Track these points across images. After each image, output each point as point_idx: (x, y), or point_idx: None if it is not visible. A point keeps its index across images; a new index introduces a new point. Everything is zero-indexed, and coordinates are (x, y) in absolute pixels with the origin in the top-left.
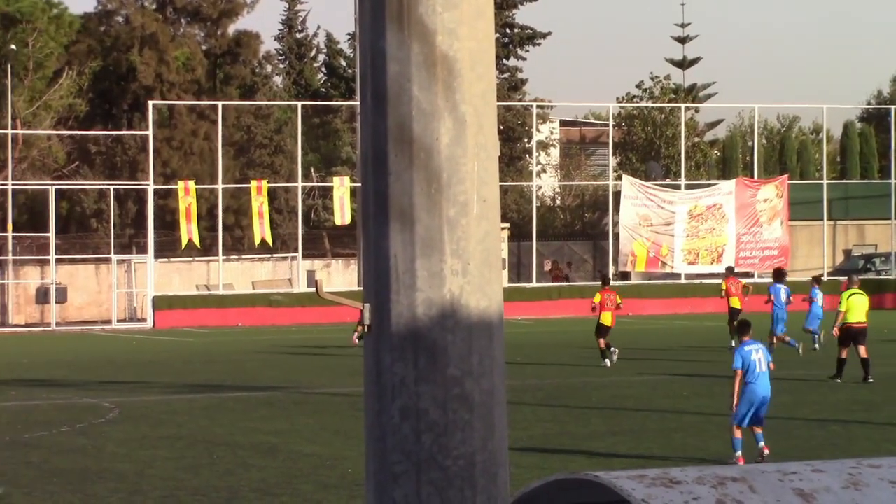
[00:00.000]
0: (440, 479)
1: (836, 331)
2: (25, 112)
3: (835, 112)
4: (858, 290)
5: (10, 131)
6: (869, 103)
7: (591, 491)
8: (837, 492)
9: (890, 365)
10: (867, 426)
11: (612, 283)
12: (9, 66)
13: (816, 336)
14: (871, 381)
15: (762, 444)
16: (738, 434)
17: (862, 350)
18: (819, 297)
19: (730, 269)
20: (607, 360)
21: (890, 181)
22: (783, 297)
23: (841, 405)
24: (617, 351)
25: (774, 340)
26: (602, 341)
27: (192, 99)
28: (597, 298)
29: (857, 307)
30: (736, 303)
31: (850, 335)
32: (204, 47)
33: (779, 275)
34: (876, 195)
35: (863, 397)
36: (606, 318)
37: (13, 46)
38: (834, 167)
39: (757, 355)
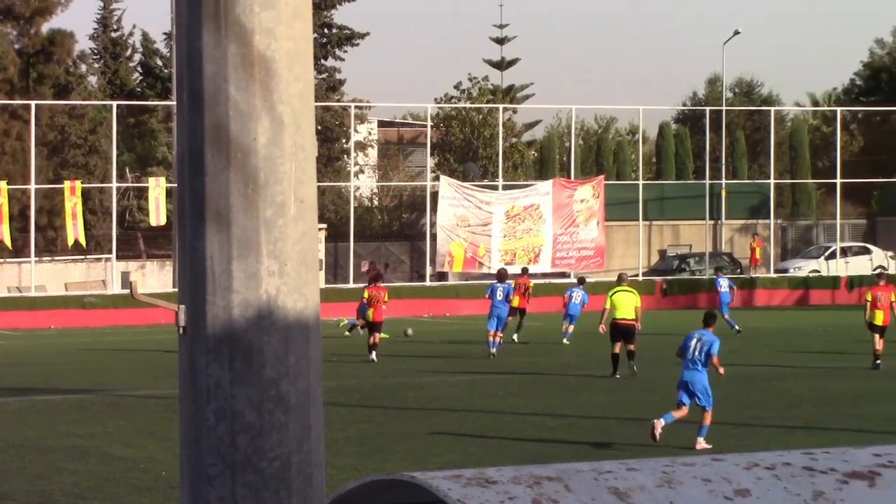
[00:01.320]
0: (255, 480)
1: (602, 328)
2: None
3: (651, 113)
4: (626, 288)
5: None
6: (684, 105)
7: (407, 491)
8: (652, 490)
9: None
10: (682, 424)
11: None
12: None
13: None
14: (635, 374)
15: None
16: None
17: (631, 346)
18: (578, 296)
19: (524, 270)
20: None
21: (704, 182)
22: (499, 295)
23: (656, 404)
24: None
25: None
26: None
27: (3, 98)
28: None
29: (623, 304)
30: (516, 301)
31: (619, 331)
32: (16, 46)
33: (501, 275)
34: (691, 196)
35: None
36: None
37: None
38: (650, 168)
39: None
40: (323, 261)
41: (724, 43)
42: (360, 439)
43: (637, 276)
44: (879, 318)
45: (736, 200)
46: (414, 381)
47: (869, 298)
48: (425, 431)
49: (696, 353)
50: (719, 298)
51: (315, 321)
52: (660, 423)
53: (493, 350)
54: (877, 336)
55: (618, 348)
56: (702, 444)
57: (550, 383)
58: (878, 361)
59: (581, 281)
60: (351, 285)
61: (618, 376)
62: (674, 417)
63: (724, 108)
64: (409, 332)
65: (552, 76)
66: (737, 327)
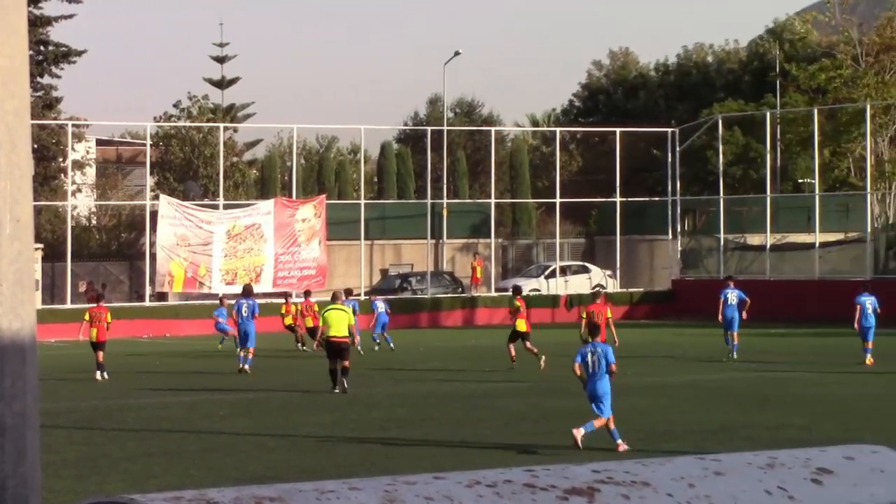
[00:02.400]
0: None
1: (316, 345)
2: None
3: (372, 133)
4: (339, 306)
5: None
6: (406, 124)
7: None
8: None
9: (424, 381)
10: (403, 443)
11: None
12: None
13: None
14: (347, 391)
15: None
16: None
17: (346, 363)
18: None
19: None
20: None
21: (426, 201)
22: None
23: (377, 422)
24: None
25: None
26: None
27: None
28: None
29: (336, 322)
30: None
31: (333, 348)
32: None
33: (247, 291)
34: (412, 215)
35: (399, 414)
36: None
37: None
38: (372, 187)
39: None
40: (40, 281)
41: (445, 63)
42: (78, 461)
43: (359, 295)
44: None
45: (457, 220)
46: (133, 403)
47: (584, 316)
48: (145, 453)
49: (595, 365)
50: (376, 319)
51: (32, 342)
52: (579, 432)
53: (246, 366)
54: None
55: (336, 364)
56: (623, 446)
57: (272, 402)
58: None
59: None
60: (69, 305)
61: (337, 391)
62: (594, 427)
63: (445, 127)
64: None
65: (273, 95)
66: (392, 346)
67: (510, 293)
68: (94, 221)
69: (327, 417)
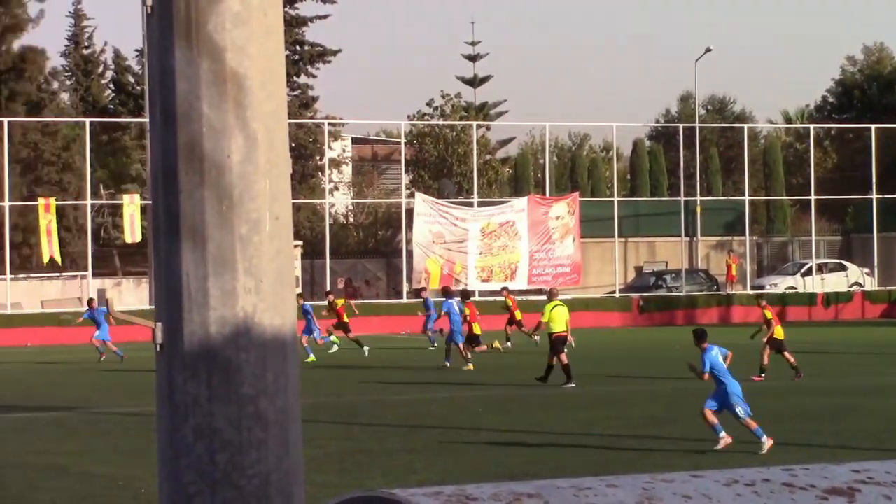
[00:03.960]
0: (235, 498)
1: (536, 338)
2: None
3: (625, 130)
4: (559, 302)
5: None
6: (658, 122)
7: None
8: None
9: (681, 380)
10: (660, 440)
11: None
12: None
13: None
14: (573, 385)
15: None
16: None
17: (563, 357)
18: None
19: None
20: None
21: (679, 199)
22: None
23: (634, 420)
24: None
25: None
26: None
27: None
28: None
29: (559, 318)
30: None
31: (556, 344)
32: None
33: (447, 292)
34: (665, 212)
35: (656, 412)
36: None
37: None
38: (624, 185)
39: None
40: (299, 278)
41: (697, 60)
42: (340, 456)
43: (614, 292)
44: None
45: (711, 217)
46: (393, 399)
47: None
48: (405, 448)
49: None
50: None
51: (292, 338)
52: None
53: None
54: None
55: (557, 360)
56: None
57: (530, 399)
58: None
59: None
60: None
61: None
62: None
63: (697, 125)
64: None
65: (525, 93)
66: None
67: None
68: (350, 219)
69: (584, 415)
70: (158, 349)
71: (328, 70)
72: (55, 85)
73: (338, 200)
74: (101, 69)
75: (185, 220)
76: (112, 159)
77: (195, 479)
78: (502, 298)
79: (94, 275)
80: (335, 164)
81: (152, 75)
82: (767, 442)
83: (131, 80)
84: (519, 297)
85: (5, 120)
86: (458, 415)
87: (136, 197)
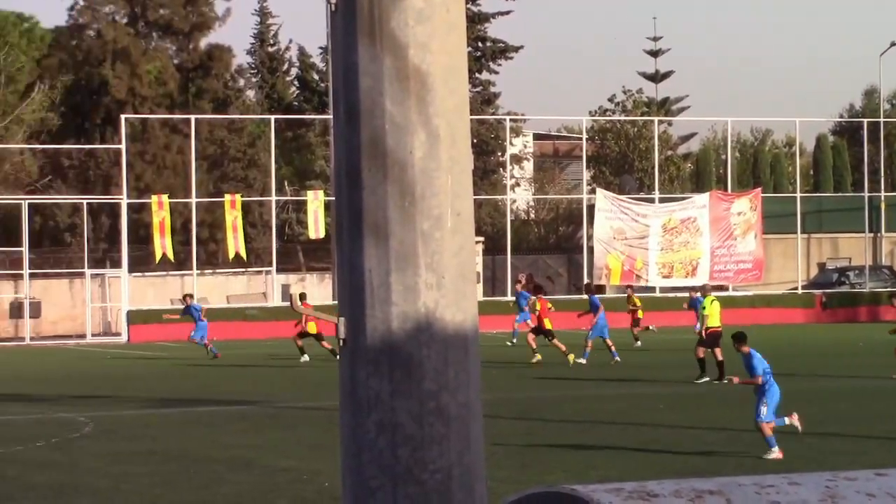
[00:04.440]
0: (417, 493)
1: (703, 332)
2: None
3: (807, 125)
4: (714, 297)
5: None
6: (841, 116)
7: None
8: None
9: (870, 377)
10: (843, 439)
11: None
12: None
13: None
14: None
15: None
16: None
17: (718, 353)
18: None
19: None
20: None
21: (863, 194)
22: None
23: (816, 417)
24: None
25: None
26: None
27: (164, 113)
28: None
29: (716, 312)
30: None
31: (712, 338)
32: (176, 61)
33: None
34: (849, 208)
35: (840, 409)
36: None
37: None
38: (807, 180)
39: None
40: (480, 273)
41: (881, 54)
42: (520, 452)
43: (796, 289)
44: None
45: (895, 213)
46: (573, 395)
47: None
48: (585, 444)
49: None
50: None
51: (474, 334)
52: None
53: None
54: None
55: (717, 354)
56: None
57: (708, 396)
58: None
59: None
60: (509, 298)
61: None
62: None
63: (881, 119)
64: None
65: (707, 88)
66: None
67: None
68: (532, 215)
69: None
70: (342, 344)
71: (510, 66)
72: (241, 82)
73: (519, 196)
74: (285, 66)
75: (368, 217)
76: (296, 156)
77: (377, 474)
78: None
79: (279, 270)
80: (517, 160)
81: (336, 72)
82: (778, 454)
83: (315, 77)
84: (642, 295)
85: (192, 117)
86: (639, 412)
87: (320, 193)
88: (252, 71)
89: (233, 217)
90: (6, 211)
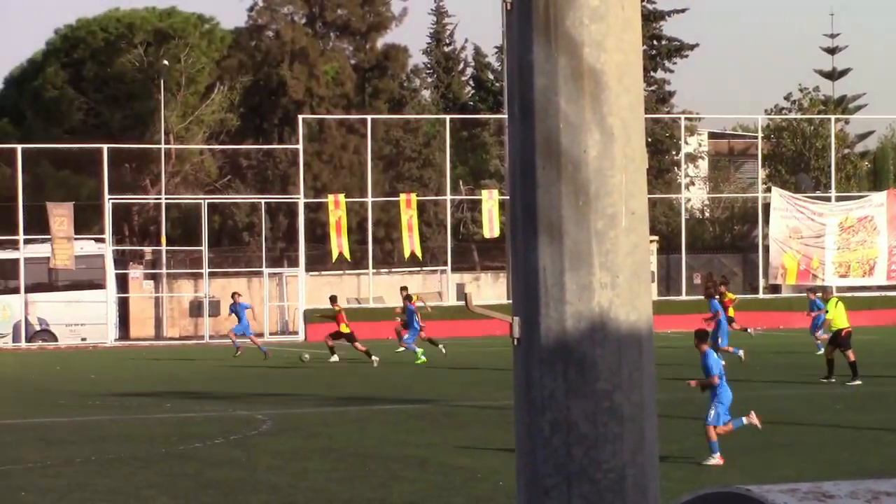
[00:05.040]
0: (591, 492)
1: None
2: (178, 127)
3: None
4: (838, 298)
5: (163, 146)
6: None
7: None
8: None
9: None
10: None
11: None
12: (162, 82)
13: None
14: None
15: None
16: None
17: (850, 354)
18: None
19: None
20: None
21: None
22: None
23: None
24: None
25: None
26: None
27: (341, 113)
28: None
29: (841, 314)
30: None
31: (839, 339)
32: (353, 61)
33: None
34: None
35: None
36: None
37: (166, 62)
38: None
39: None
40: (655, 273)
41: None
42: (695, 451)
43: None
44: None
45: None
46: (750, 395)
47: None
48: (762, 444)
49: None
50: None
51: (648, 333)
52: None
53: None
54: None
55: (833, 354)
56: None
57: (889, 397)
58: None
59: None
60: (684, 297)
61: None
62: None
63: None
64: (306, 357)
65: (885, 86)
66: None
67: None
68: (707, 214)
69: None
70: (516, 343)
71: (685, 64)
72: (417, 82)
73: (694, 195)
74: (461, 66)
75: (542, 215)
76: (471, 155)
77: (551, 472)
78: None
79: (454, 269)
80: (691, 158)
81: (511, 71)
82: (719, 460)
83: (490, 76)
84: (876, 294)
85: (369, 117)
86: (816, 412)
87: (495, 192)
88: (427, 71)
89: (408, 216)
90: (186, 210)
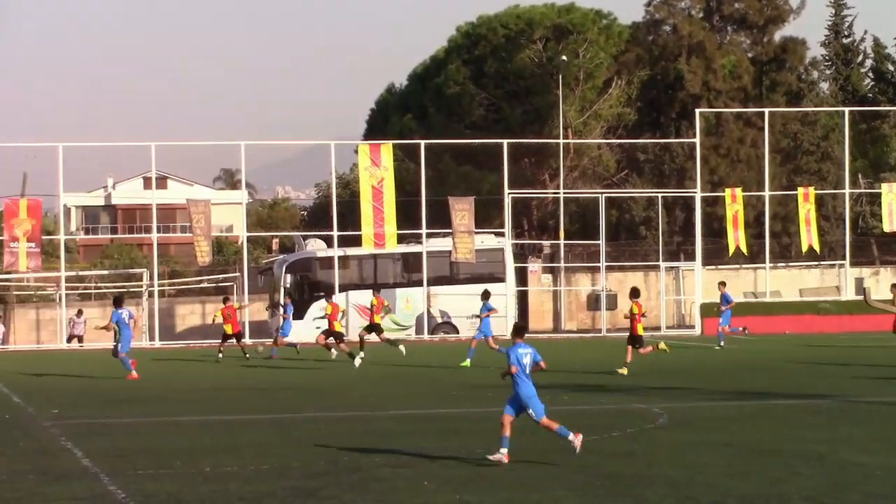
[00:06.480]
0: None
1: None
2: (576, 121)
3: None
4: None
5: (561, 140)
6: None
7: None
8: None
9: None
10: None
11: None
12: (560, 77)
13: None
14: None
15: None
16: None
17: None
18: None
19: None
20: None
21: None
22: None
23: None
24: None
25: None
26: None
27: (738, 106)
28: None
29: None
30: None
31: None
32: (750, 54)
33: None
34: None
35: None
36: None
37: (564, 57)
38: None
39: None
40: None
41: None
42: None
43: None
44: None
45: None
46: None
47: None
48: None
49: (528, 367)
50: None
51: None
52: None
53: None
54: None
55: None
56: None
57: None
58: None
59: None
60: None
61: None
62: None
63: None
64: (260, 350)
65: None
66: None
67: None
68: None
69: None
70: None
71: None
72: (815, 75)
73: None
74: (860, 58)
75: None
76: (871, 148)
77: None
78: None
79: (852, 264)
80: None
81: None
82: (576, 439)
83: (890, 68)
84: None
85: (766, 110)
86: None
87: (895, 185)
88: (826, 63)
89: (806, 210)
90: (585, 204)
